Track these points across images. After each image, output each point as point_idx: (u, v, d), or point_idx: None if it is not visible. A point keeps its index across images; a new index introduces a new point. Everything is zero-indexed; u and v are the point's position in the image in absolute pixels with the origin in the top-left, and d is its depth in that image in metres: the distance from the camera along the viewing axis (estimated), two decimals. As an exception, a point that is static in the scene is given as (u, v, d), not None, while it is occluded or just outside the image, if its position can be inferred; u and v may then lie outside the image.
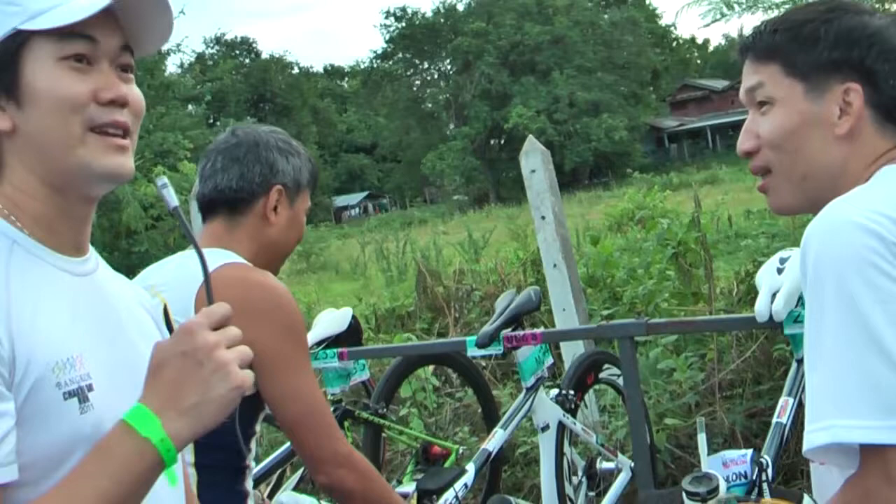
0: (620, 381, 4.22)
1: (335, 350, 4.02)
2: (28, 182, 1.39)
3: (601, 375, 4.32)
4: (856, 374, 1.35)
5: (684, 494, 2.12)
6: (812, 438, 1.39)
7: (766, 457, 2.56)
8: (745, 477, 2.32)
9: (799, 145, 1.60)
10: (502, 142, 63.56)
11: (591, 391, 4.64)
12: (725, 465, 2.34)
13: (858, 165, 1.57)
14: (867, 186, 1.52)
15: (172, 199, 1.43)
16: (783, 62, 1.61)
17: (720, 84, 71.89)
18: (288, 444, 4.19)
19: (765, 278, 2.99)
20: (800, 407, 3.01)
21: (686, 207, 12.74)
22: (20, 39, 1.37)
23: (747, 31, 1.73)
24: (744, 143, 1.67)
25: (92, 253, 1.49)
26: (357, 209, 77.83)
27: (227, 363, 1.30)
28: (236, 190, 2.38)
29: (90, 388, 1.34)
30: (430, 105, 71.42)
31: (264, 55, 78.35)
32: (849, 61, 1.56)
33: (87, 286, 1.45)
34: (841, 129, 1.56)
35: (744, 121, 1.70)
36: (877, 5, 5.15)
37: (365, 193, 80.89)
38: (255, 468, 4.00)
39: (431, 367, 5.63)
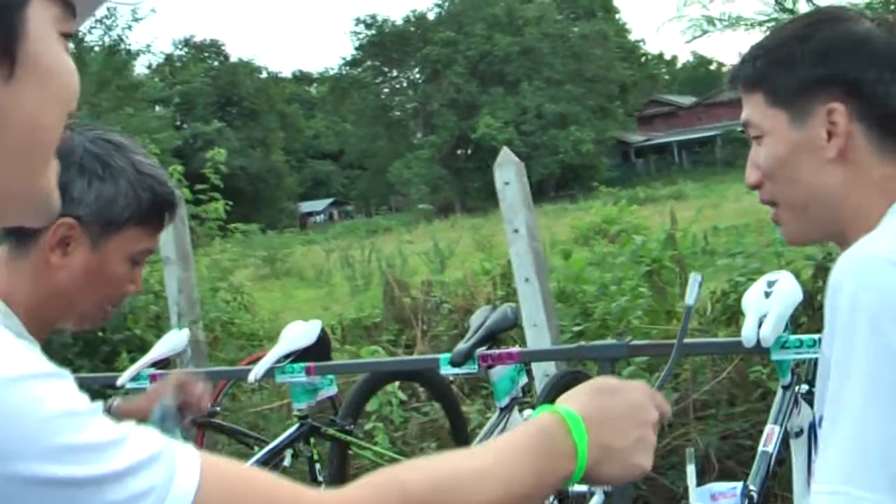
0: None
1: (303, 364, 3.90)
2: None
3: (575, 395, 4.22)
4: (881, 438, 1.20)
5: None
6: (821, 500, 1.23)
7: (753, 488, 2.47)
8: (736, 512, 2.23)
9: (793, 175, 1.46)
10: (469, 152, 63.67)
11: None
12: (714, 499, 2.26)
13: (868, 192, 1.42)
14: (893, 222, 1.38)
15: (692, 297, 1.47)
16: (765, 91, 1.47)
17: (688, 100, 72.17)
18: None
19: (752, 302, 2.90)
20: (786, 435, 2.92)
21: (652, 222, 12.70)
22: None
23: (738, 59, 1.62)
24: (749, 176, 1.55)
25: None
26: (322, 216, 77.60)
27: (653, 445, 1.21)
28: None
29: None
30: (397, 113, 71.51)
31: (233, 59, 77.99)
32: (830, 78, 1.41)
33: None
34: (829, 152, 1.41)
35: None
36: (880, 8, 4.97)
37: (330, 200, 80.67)
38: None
39: (398, 382, 5.52)
